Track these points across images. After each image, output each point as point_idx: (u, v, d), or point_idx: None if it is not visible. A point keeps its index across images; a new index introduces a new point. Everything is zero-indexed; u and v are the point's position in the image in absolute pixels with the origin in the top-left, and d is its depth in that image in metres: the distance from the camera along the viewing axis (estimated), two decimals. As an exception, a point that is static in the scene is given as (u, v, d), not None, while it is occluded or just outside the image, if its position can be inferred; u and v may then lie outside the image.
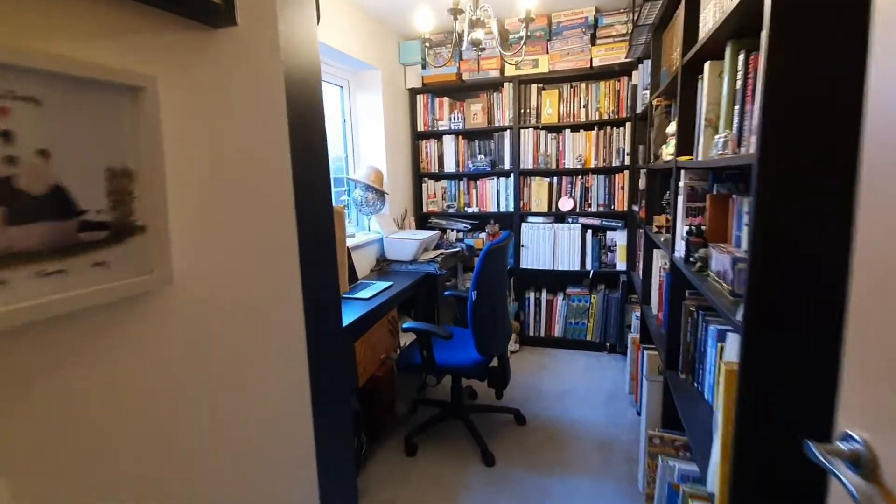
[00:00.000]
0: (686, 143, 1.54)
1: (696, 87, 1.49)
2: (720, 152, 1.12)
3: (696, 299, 1.57)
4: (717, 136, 1.18)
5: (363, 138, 3.26)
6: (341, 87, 3.12)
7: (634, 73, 3.02)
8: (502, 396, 2.31)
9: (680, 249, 1.55)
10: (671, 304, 1.67)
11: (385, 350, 2.37)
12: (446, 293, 2.68)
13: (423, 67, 3.46)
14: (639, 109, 2.96)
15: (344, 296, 2.39)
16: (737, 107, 1.17)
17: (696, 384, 1.55)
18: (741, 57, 1.14)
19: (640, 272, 2.95)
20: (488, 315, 2.13)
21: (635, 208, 3.01)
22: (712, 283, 1.23)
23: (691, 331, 1.55)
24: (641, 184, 2.62)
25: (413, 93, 3.56)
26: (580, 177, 3.33)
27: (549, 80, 3.31)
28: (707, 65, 1.29)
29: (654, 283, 2.35)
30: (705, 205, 1.48)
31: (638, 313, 2.97)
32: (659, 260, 2.23)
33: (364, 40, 2.92)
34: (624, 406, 2.65)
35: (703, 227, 1.44)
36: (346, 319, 2.04)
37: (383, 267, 3.06)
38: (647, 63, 2.73)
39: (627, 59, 2.96)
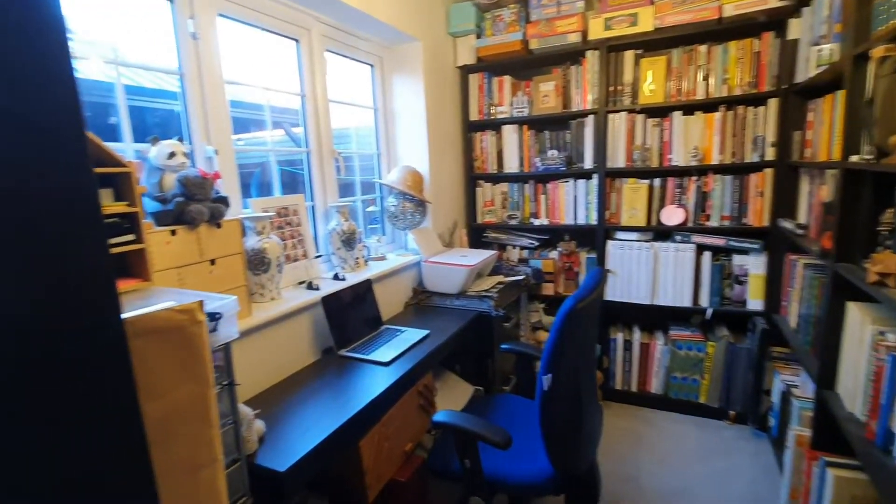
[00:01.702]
0: None
1: None
2: None
3: None
4: None
5: (401, 131, 2.53)
6: (371, 65, 2.42)
7: (792, 22, 2.03)
8: (588, 524, 1.51)
9: None
10: None
11: (412, 437, 1.63)
12: (504, 347, 1.89)
13: (478, 37, 2.67)
14: (801, 77, 1.98)
15: (353, 354, 1.68)
16: None
17: None
18: None
19: (793, 319, 1.98)
20: (570, 412, 1.32)
21: (786, 224, 2.03)
22: None
23: None
24: (825, 193, 1.66)
25: (465, 71, 2.78)
26: (695, 178, 2.39)
27: (652, 44, 2.39)
28: None
29: (851, 359, 1.42)
30: None
31: (788, 379, 2.01)
32: (867, 326, 1.30)
33: (400, 2, 2.19)
34: (776, 533, 1.72)
35: None
36: (351, 407, 1.33)
37: (421, 300, 2.32)
38: (822, 2, 1.75)
39: (782, 2, 1.99)
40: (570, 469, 1.33)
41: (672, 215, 2.43)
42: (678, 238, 2.43)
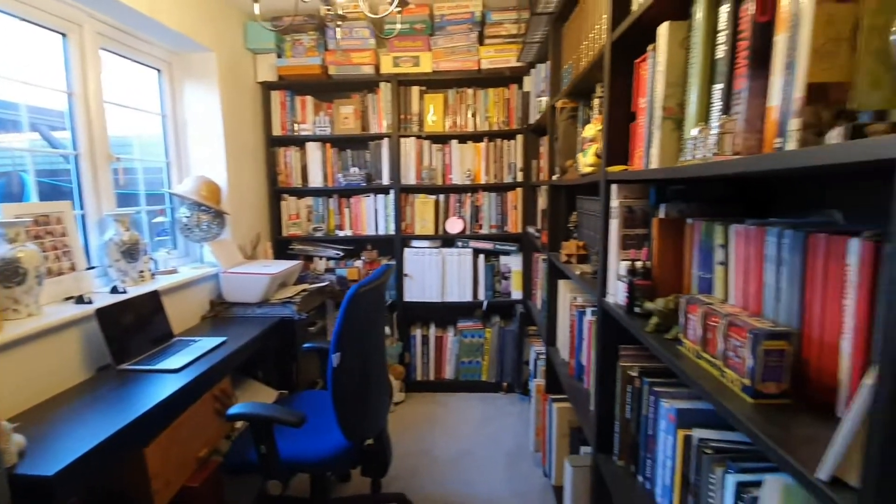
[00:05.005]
0: (618, 147, 1.14)
1: (630, 72, 1.09)
2: (713, 153, 0.69)
3: (636, 359, 1.15)
4: (695, 132, 0.76)
5: (195, 142, 2.46)
6: (158, 70, 2.31)
7: (526, 79, 2.71)
8: (381, 487, 1.71)
9: (616, 293, 1.13)
10: (601, 365, 1.25)
11: (208, 443, 1.62)
12: (306, 346, 2.01)
13: (279, 56, 2.78)
14: (532, 120, 2.64)
15: (136, 367, 1.60)
16: (718, 86, 0.76)
17: (640, 476, 1.12)
18: (725, 8, 0.74)
19: (539, 302, 2.59)
20: (358, 385, 1.52)
21: (531, 230, 2.66)
22: (693, 359, 0.79)
23: (632, 404, 1.13)
24: (542, 203, 2.26)
25: (266, 87, 2.85)
26: (470, 194, 2.92)
27: (432, 83, 2.86)
28: (664, 28, 0.88)
29: (561, 320, 1.97)
30: (648, 232, 1.08)
31: (538, 349, 2.60)
32: (567, 294, 1.85)
33: (188, 8, 2.17)
34: (529, 468, 2.21)
35: (649, 265, 1.03)
36: (132, 412, 1.29)
37: (220, 312, 2.28)
38: (541, 67, 2.41)
39: (519, 63, 2.64)
40: (359, 434, 1.53)
41: (454, 225, 2.91)
42: (459, 244, 2.91)
